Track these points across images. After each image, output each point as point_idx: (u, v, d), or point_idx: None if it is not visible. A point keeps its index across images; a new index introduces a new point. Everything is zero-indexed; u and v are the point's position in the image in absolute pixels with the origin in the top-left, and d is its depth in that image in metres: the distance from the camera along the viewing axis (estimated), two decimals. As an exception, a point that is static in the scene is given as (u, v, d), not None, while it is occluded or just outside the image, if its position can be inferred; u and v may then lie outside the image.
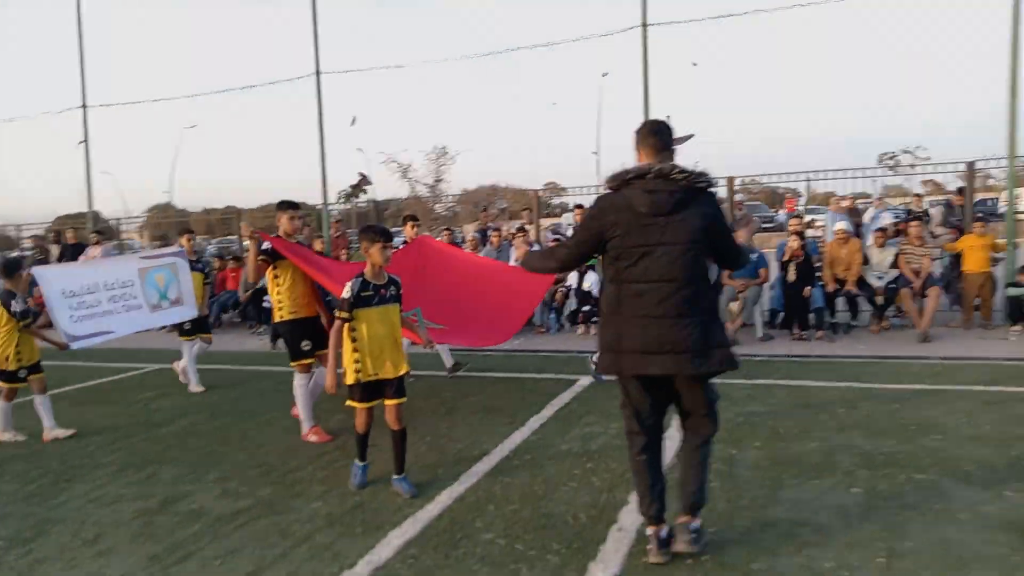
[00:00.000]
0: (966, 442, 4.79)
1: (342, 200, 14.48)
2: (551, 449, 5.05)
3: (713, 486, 3.83)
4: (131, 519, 4.15)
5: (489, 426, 5.70)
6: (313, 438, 5.51)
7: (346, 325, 4.28)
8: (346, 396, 4.37)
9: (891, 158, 33.48)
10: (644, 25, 10.57)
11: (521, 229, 11.35)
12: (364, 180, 14.22)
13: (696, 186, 3.16)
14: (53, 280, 6.11)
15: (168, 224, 20.86)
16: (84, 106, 14.59)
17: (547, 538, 3.61)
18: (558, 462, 4.75)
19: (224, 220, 24.33)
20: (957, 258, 9.82)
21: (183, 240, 8.18)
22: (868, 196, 16.06)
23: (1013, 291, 9.02)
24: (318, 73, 12.50)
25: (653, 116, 10.88)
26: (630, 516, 3.75)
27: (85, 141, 14.58)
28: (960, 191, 11.27)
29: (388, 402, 4.32)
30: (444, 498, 4.20)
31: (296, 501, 4.30)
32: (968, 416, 5.39)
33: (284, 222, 5.67)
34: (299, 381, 5.59)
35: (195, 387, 7.56)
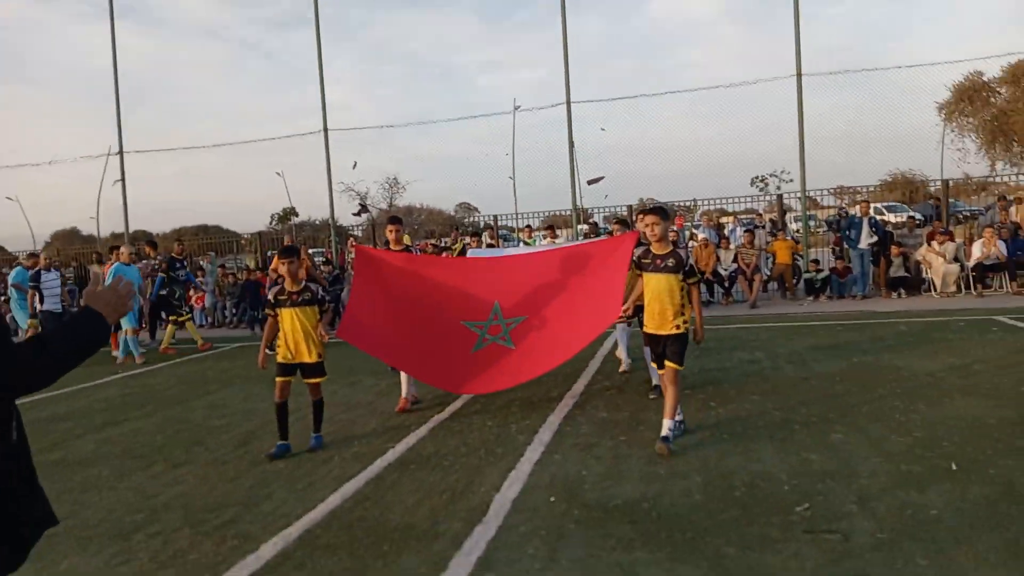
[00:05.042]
0: (749, 344, 9.64)
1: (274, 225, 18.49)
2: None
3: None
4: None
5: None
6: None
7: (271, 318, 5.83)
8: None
9: (761, 180, 40.48)
10: (568, 103, 15.36)
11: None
12: (364, 208, 18.35)
13: None
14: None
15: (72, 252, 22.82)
16: (121, 152, 18.05)
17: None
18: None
19: (133, 240, 27.48)
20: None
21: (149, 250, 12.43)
22: (752, 212, 21.60)
23: (806, 276, 14.28)
24: (326, 130, 16.61)
25: (583, 168, 15.72)
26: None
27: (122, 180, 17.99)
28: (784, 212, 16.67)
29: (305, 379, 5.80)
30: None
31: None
32: (755, 334, 10.28)
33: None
34: None
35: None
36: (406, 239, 8.96)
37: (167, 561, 3.89)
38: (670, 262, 5.26)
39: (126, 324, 11.47)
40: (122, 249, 11.70)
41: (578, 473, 4.86)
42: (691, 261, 5.38)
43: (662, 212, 5.36)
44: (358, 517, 4.33)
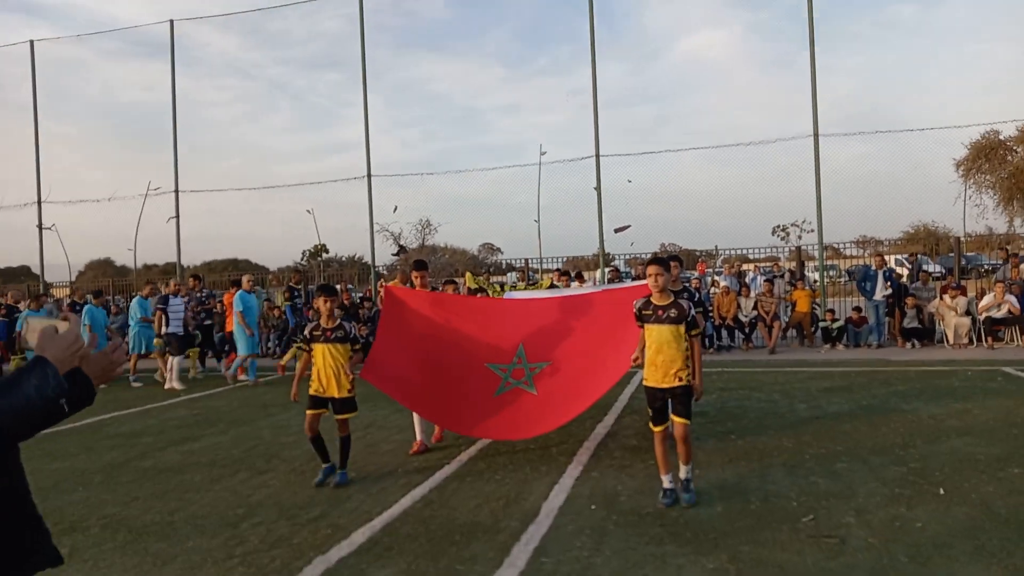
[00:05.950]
0: (767, 386, 10.34)
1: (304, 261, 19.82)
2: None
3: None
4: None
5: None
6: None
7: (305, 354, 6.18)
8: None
9: (783, 229, 41.36)
10: (597, 156, 16.36)
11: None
12: (402, 249, 19.47)
13: None
14: None
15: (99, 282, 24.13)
16: (176, 191, 19.29)
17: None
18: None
19: (164, 272, 28.73)
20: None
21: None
22: (773, 260, 22.40)
23: (823, 324, 14.97)
24: (369, 176, 17.72)
25: (607, 214, 16.66)
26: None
27: (176, 218, 19.20)
28: (802, 264, 17.43)
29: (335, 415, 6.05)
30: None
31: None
32: (773, 377, 10.98)
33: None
34: None
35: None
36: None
37: (275, 543, 4.70)
38: (672, 313, 5.11)
39: (243, 351, 12.63)
40: (244, 279, 13.09)
41: (614, 487, 5.62)
42: (694, 313, 5.22)
43: (665, 263, 5.28)
44: (429, 515, 5.12)
